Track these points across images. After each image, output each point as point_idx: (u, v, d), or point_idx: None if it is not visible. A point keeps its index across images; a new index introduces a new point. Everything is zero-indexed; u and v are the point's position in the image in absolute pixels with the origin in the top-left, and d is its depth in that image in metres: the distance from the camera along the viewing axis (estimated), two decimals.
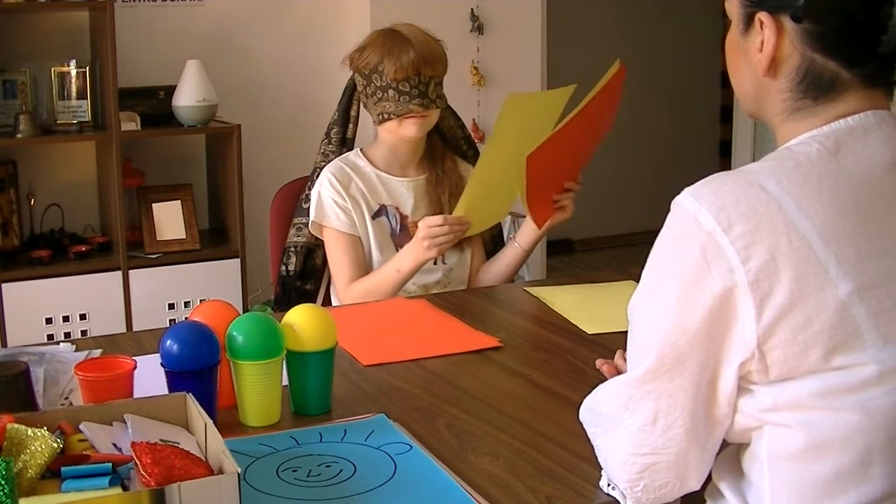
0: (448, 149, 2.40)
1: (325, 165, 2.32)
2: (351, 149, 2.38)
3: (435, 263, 2.31)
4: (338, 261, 2.26)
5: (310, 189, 2.34)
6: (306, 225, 2.32)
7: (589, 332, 1.89)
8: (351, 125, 2.38)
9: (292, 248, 2.35)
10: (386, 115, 2.22)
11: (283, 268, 2.36)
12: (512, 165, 2.05)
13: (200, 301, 3.41)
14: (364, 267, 2.27)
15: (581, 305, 2.04)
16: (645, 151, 5.96)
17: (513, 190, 2.15)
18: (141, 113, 3.50)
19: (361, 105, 2.35)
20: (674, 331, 1.08)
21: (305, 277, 2.37)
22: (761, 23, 1.13)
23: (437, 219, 2.14)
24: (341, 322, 1.57)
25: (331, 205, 2.26)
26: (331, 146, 2.37)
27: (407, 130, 2.23)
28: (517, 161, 2.02)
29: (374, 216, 2.28)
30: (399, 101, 2.19)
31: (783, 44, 1.13)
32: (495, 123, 2.10)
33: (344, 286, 2.25)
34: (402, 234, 2.30)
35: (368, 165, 2.32)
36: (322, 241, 2.32)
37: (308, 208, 2.32)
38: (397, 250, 2.28)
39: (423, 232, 2.14)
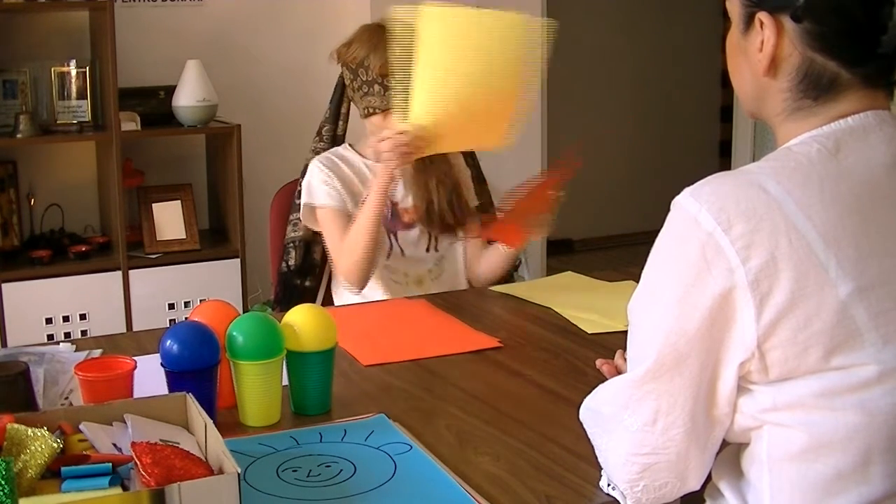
0: None
1: None
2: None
3: (427, 251, 2.31)
4: (334, 237, 2.24)
5: (301, 186, 2.35)
6: (301, 219, 2.32)
7: (589, 332, 1.89)
8: (341, 122, 2.39)
9: (291, 244, 2.35)
10: (371, 110, 2.23)
11: (284, 264, 2.36)
12: (469, 82, 1.97)
13: (200, 301, 3.41)
14: None
15: (581, 305, 2.04)
16: (645, 151, 5.96)
17: (488, 125, 2.04)
18: (141, 113, 3.50)
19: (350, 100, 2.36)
20: (674, 331, 1.08)
21: (305, 273, 2.37)
22: (761, 23, 1.13)
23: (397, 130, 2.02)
24: (341, 322, 1.57)
25: (320, 185, 2.26)
26: (322, 143, 2.38)
27: (392, 125, 2.24)
28: (476, 79, 1.95)
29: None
30: (384, 96, 2.20)
31: (783, 43, 1.13)
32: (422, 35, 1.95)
33: (336, 256, 2.24)
34: (393, 220, 2.29)
35: (357, 156, 2.33)
36: (318, 234, 2.32)
37: (299, 203, 2.32)
38: (389, 236, 2.28)
39: (385, 146, 2.03)
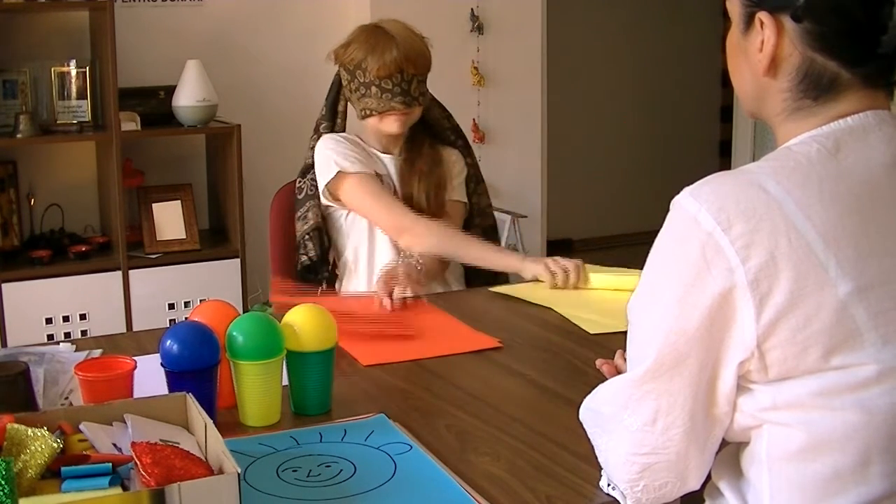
0: (435, 138, 2.40)
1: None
2: None
3: None
4: (381, 201, 2.23)
5: (301, 183, 2.35)
6: (309, 209, 2.31)
7: (589, 332, 1.89)
8: (339, 120, 2.39)
9: (307, 237, 2.32)
10: (368, 111, 2.24)
11: (305, 257, 2.32)
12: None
13: (200, 301, 3.41)
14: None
15: (581, 305, 2.04)
16: (645, 151, 5.96)
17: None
18: (141, 113, 3.50)
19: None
20: (673, 331, 1.08)
21: (321, 264, 2.36)
22: (761, 22, 1.13)
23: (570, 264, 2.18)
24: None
25: (343, 154, 2.26)
26: None
27: (388, 126, 2.25)
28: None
29: None
30: (381, 99, 2.20)
31: (783, 43, 1.13)
32: None
33: (412, 221, 2.22)
34: None
35: (362, 142, 2.35)
36: (326, 222, 2.31)
37: (303, 198, 2.32)
38: None
39: (554, 266, 2.16)
